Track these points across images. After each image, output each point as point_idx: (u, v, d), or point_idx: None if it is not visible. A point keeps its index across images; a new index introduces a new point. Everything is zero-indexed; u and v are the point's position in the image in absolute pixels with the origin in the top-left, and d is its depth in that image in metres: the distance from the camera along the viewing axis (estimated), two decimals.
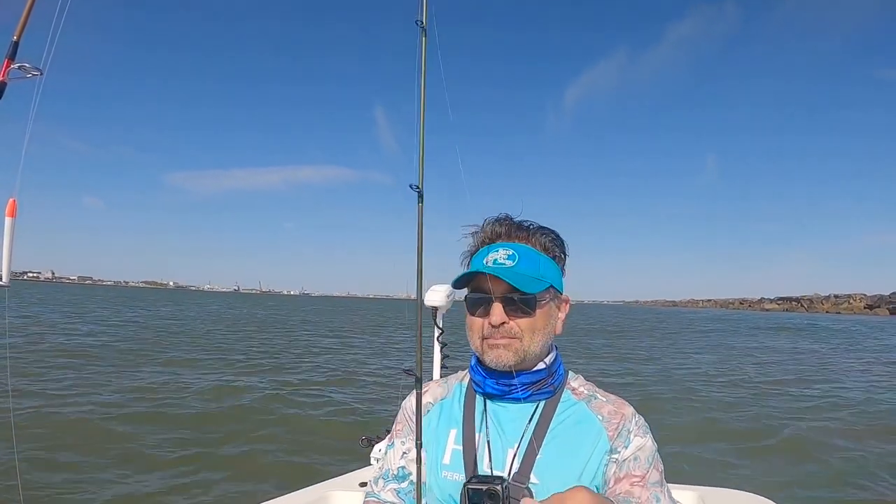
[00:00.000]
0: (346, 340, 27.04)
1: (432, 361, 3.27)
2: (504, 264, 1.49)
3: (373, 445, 3.24)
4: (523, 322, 1.48)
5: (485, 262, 1.52)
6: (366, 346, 24.34)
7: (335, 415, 10.59)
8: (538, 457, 1.46)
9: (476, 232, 1.61)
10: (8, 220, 1.52)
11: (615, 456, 1.47)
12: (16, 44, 1.57)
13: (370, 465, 3.21)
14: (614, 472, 1.46)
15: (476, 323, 1.52)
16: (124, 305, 56.12)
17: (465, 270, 1.54)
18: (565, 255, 1.62)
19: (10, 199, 1.53)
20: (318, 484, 3.06)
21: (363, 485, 2.96)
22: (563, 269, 1.61)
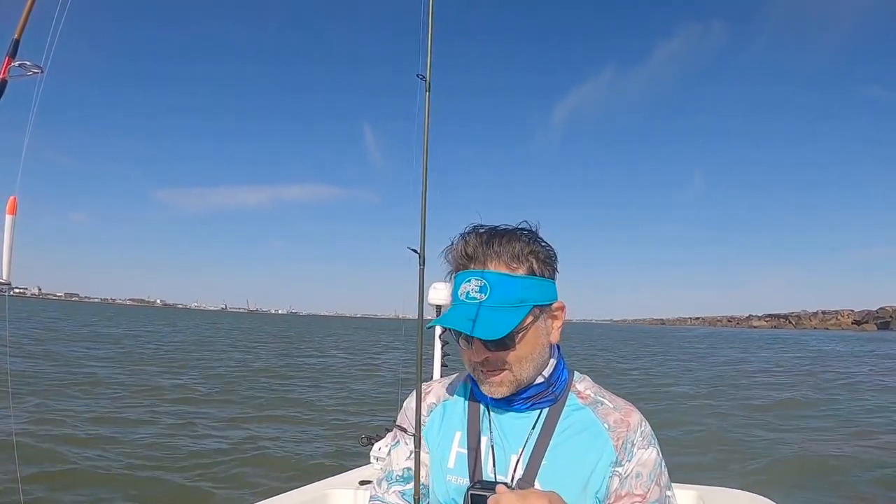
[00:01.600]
0: (345, 343, 27.01)
1: (432, 362, 3.29)
2: (476, 298, 1.39)
3: (373, 444, 3.25)
4: (506, 354, 1.40)
5: (459, 294, 1.43)
6: (365, 349, 24.33)
7: (335, 413, 10.59)
8: (543, 463, 1.41)
9: (446, 253, 1.51)
10: (8, 218, 1.50)
11: (619, 469, 1.42)
12: (16, 42, 1.57)
13: (370, 463, 3.23)
14: (616, 488, 1.41)
15: (465, 353, 1.45)
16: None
17: (444, 314, 1.46)
18: (550, 257, 1.48)
19: (11, 197, 1.52)
20: (318, 482, 3.07)
21: (363, 483, 2.99)
22: (549, 273, 1.47)
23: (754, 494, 3.02)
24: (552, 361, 1.52)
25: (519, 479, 1.41)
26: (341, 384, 14.07)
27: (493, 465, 1.44)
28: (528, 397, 1.47)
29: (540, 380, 1.48)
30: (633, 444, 1.44)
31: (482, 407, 1.53)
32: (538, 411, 1.48)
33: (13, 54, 1.56)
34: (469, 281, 1.42)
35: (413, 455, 1.52)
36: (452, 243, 1.50)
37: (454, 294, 1.46)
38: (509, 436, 1.47)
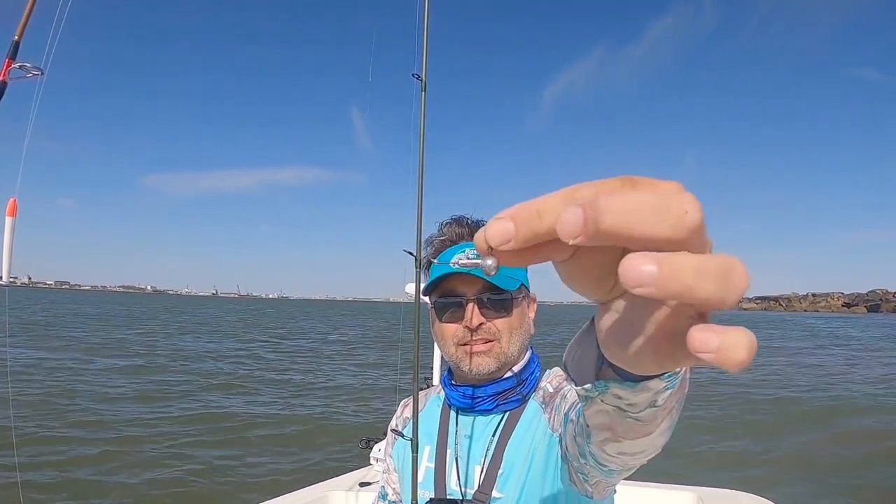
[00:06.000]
0: (345, 341, 27.02)
1: (432, 362, 3.29)
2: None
3: (372, 446, 3.27)
4: (501, 322, 1.39)
5: (451, 263, 1.36)
6: (365, 347, 24.32)
7: (335, 415, 10.61)
8: (499, 472, 1.37)
9: (431, 239, 1.52)
10: (8, 220, 1.51)
11: (552, 425, 1.33)
12: (16, 43, 1.56)
13: (370, 465, 3.25)
14: (558, 428, 1.29)
15: (448, 329, 1.42)
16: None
17: (433, 276, 1.43)
18: None
19: (11, 199, 1.52)
20: (318, 484, 3.11)
21: (362, 485, 3.03)
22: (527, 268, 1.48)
23: (754, 495, 3.05)
24: (525, 357, 1.49)
25: (476, 491, 1.38)
26: (340, 386, 14.06)
27: (458, 477, 1.42)
28: (494, 395, 1.43)
29: (508, 374, 1.44)
30: (561, 396, 1.34)
31: (452, 414, 1.51)
32: (501, 415, 1.44)
33: (13, 56, 1.55)
34: (464, 250, 1.42)
35: (386, 473, 1.60)
36: (440, 227, 1.51)
37: (444, 268, 1.41)
38: (474, 445, 1.44)
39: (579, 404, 0.90)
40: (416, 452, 1.35)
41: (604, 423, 0.79)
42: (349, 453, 7.44)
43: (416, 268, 1.34)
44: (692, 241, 0.34)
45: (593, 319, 0.55)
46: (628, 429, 0.78)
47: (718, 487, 3.13)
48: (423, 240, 1.55)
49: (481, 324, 1.39)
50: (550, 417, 1.35)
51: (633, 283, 0.33)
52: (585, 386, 0.66)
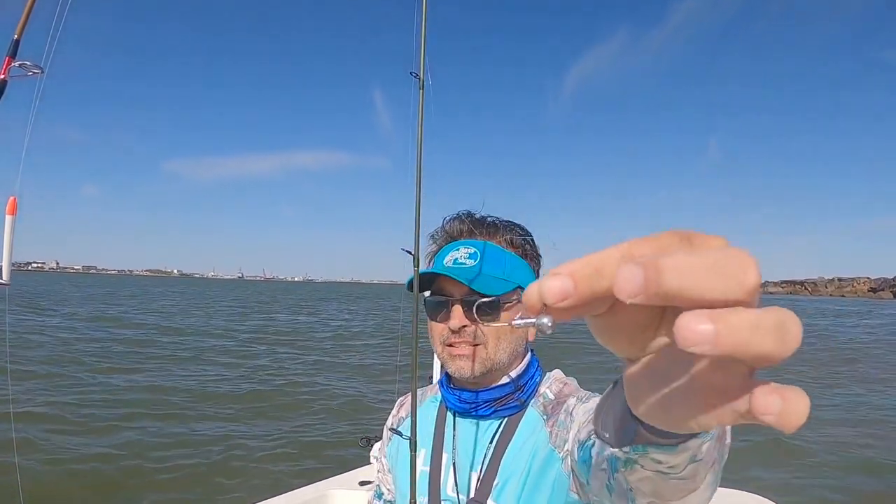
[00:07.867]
0: (346, 337, 27.04)
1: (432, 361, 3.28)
2: (465, 264, 1.36)
3: (372, 445, 3.27)
4: (486, 326, 1.36)
5: (445, 262, 1.39)
6: (366, 342, 24.33)
7: (334, 413, 10.62)
8: (496, 482, 1.33)
9: (435, 233, 1.50)
10: (8, 218, 1.52)
11: (559, 451, 1.27)
12: (16, 42, 1.57)
13: (370, 463, 3.25)
14: (563, 446, 1.26)
15: (436, 329, 1.40)
16: None
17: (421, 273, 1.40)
18: (538, 254, 1.48)
19: (11, 197, 1.53)
20: (318, 482, 3.10)
21: (363, 483, 3.03)
22: (536, 271, 1.46)
23: (754, 494, 3.04)
24: (524, 362, 1.45)
25: (471, 498, 1.36)
26: (340, 384, 14.09)
27: (456, 485, 1.39)
28: (492, 400, 1.39)
29: (505, 380, 1.40)
30: (567, 412, 1.32)
31: (448, 417, 1.48)
32: (499, 421, 1.40)
33: (13, 54, 1.56)
34: (458, 249, 1.39)
35: (380, 472, 1.63)
36: (444, 222, 1.48)
37: (438, 266, 1.41)
38: (471, 450, 1.41)
39: (591, 442, 0.89)
40: (415, 451, 1.35)
41: (649, 489, 0.78)
42: (348, 452, 7.47)
43: (415, 266, 1.34)
44: (748, 301, 0.35)
45: (616, 383, 0.60)
46: (674, 489, 0.77)
47: (719, 487, 3.12)
48: (428, 234, 1.51)
49: (464, 326, 1.35)
50: (552, 431, 1.31)
51: (690, 342, 0.33)
52: (624, 449, 0.66)
